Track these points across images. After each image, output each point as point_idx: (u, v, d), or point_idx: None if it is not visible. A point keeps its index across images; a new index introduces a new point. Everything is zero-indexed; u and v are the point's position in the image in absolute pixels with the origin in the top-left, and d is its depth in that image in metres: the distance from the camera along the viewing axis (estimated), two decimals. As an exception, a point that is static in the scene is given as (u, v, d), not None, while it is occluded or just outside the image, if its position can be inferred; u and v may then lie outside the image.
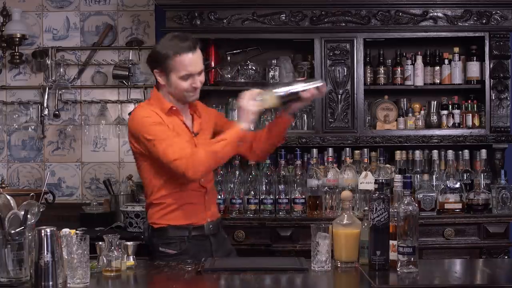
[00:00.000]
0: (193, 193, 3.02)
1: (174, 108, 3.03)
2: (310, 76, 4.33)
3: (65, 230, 2.47)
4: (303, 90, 2.96)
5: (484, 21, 4.20)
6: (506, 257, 4.01)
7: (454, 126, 4.32)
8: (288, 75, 4.36)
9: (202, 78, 3.03)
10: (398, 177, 2.64)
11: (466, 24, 4.22)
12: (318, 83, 2.98)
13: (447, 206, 4.05)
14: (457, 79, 4.34)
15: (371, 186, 3.77)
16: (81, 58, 4.69)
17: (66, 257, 2.37)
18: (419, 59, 4.34)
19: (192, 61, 2.96)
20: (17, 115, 4.65)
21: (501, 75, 4.23)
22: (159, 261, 2.89)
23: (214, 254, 3.00)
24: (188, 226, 2.99)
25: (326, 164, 4.10)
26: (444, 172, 4.17)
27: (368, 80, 4.33)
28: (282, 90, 2.93)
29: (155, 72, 3.03)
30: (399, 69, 4.35)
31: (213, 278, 2.53)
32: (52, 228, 2.29)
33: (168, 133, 2.91)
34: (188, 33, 3.16)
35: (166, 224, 2.99)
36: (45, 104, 4.61)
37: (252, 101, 2.92)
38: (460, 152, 4.25)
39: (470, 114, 4.31)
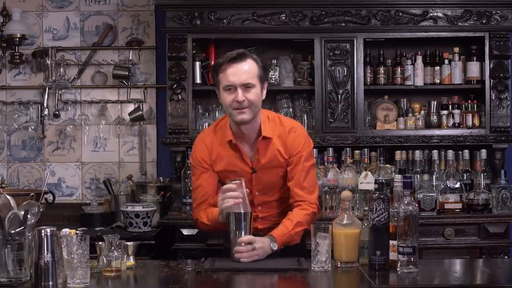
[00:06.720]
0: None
1: (234, 142, 2.86)
2: (310, 76, 4.33)
3: (65, 230, 2.47)
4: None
5: (484, 21, 4.20)
6: (506, 257, 4.01)
7: (454, 126, 4.32)
8: (288, 75, 4.36)
9: (250, 94, 2.74)
10: (398, 177, 2.64)
11: (466, 24, 4.22)
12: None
13: (447, 206, 4.05)
14: (457, 79, 4.34)
15: (371, 186, 3.77)
16: (81, 58, 4.69)
17: (66, 257, 2.37)
18: (419, 59, 4.34)
19: (233, 70, 2.74)
20: (17, 115, 4.65)
21: (501, 75, 4.23)
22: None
23: None
24: None
25: (326, 164, 4.10)
26: (444, 172, 4.17)
27: (368, 80, 4.33)
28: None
29: (216, 90, 2.87)
30: (399, 69, 4.35)
31: (213, 278, 2.53)
32: (52, 228, 2.29)
33: (198, 178, 2.93)
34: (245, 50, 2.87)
35: None
36: (45, 104, 4.61)
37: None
38: (460, 152, 4.25)
39: (470, 114, 4.31)
